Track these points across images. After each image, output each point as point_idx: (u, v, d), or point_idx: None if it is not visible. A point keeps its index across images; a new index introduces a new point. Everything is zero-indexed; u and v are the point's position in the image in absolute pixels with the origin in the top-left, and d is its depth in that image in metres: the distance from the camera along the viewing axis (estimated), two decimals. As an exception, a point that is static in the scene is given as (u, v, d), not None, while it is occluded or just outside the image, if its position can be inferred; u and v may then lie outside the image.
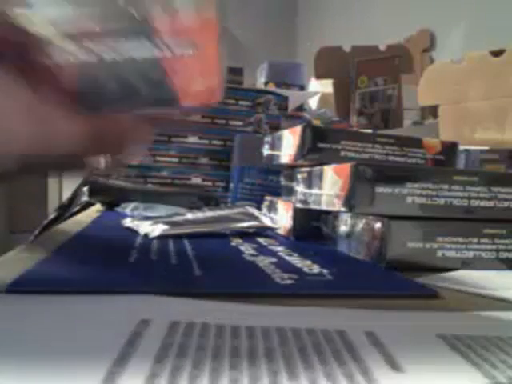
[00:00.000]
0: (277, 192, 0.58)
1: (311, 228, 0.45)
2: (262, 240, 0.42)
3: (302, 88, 1.22)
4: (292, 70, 1.23)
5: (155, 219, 0.44)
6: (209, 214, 0.48)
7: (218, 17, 0.26)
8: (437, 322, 0.21)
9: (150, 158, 0.69)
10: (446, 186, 0.35)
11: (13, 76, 0.24)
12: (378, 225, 0.34)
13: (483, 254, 0.35)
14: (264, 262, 0.32)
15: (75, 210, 0.62)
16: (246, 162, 0.64)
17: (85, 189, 0.59)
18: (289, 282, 0.27)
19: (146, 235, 0.41)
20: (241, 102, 0.73)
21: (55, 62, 0.25)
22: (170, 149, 0.71)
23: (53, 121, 0.26)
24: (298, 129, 0.43)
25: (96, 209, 0.62)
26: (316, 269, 0.31)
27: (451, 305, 0.26)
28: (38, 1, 0.24)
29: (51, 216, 0.61)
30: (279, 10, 3.42)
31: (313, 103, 1.48)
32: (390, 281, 0.30)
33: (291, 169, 0.50)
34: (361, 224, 0.36)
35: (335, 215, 0.41)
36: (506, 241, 0.35)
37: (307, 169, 0.43)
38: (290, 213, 0.45)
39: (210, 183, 0.72)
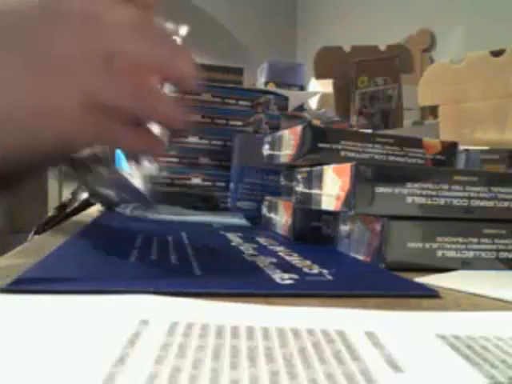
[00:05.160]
0: (277, 192, 0.58)
1: (311, 228, 0.45)
2: (261, 240, 0.42)
3: (302, 88, 1.22)
4: (292, 70, 1.23)
5: None
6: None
7: None
8: (437, 322, 0.21)
9: (149, 158, 0.69)
10: (445, 186, 0.35)
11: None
12: (378, 225, 0.34)
13: (483, 254, 0.35)
14: (264, 262, 0.32)
15: (75, 206, 0.62)
16: (246, 162, 0.64)
17: (84, 188, 0.59)
18: (289, 282, 0.27)
19: None
20: (241, 102, 0.73)
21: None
22: (170, 149, 0.71)
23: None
24: (298, 129, 0.43)
25: (96, 209, 0.62)
26: (316, 269, 0.31)
27: (451, 305, 0.26)
28: None
29: (49, 214, 0.61)
30: (279, 9, 3.42)
31: (313, 103, 1.48)
32: (389, 281, 0.30)
33: (291, 169, 0.50)
34: (361, 224, 0.36)
35: (335, 215, 0.41)
36: (506, 241, 0.35)
37: (307, 169, 0.43)
38: (290, 213, 0.45)
39: (209, 183, 0.72)
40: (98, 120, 0.27)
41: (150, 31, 0.28)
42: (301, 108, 1.12)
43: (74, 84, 0.26)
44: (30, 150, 0.27)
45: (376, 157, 0.44)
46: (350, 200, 0.35)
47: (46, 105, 0.26)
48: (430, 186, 0.35)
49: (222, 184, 0.71)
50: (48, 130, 0.27)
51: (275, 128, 0.72)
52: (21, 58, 0.25)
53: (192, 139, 0.72)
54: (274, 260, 0.33)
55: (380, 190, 0.34)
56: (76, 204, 0.62)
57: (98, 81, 0.26)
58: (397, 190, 0.34)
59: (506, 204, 0.36)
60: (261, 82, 1.22)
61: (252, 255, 0.34)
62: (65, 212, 0.63)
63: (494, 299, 0.27)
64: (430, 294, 0.27)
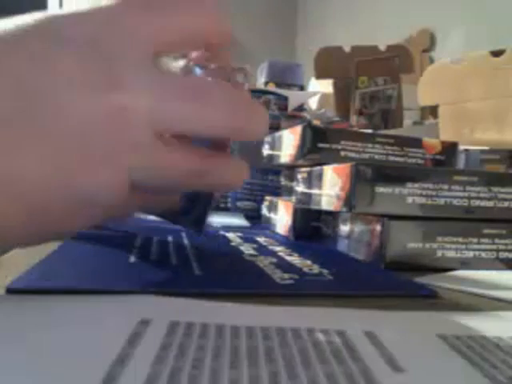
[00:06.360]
0: (277, 192, 0.58)
1: (311, 228, 0.45)
2: (261, 240, 0.42)
3: (302, 88, 1.22)
4: (292, 69, 1.23)
5: None
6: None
7: None
8: (437, 322, 0.21)
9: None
10: (445, 186, 0.35)
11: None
12: (377, 225, 0.34)
13: (483, 254, 0.35)
14: (264, 262, 0.32)
15: None
16: (246, 162, 0.64)
17: None
18: (289, 282, 0.27)
19: None
20: (241, 102, 0.73)
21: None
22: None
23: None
24: (298, 129, 0.44)
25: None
26: (316, 269, 0.31)
27: (451, 305, 0.26)
28: None
29: None
30: (279, 9, 3.42)
31: (313, 103, 1.48)
32: (389, 281, 0.30)
33: (291, 169, 0.50)
34: (361, 224, 0.36)
35: (335, 215, 0.41)
36: (506, 241, 0.35)
37: (307, 169, 0.43)
38: (290, 213, 0.45)
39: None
40: (142, 199, 0.24)
41: (211, 88, 0.22)
42: (301, 108, 1.12)
43: (112, 163, 0.20)
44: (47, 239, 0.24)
45: (376, 157, 0.44)
46: (350, 200, 0.35)
47: (79, 194, 0.21)
48: (430, 185, 0.35)
49: (222, 184, 0.71)
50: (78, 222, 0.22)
51: (275, 128, 0.72)
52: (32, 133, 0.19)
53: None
54: (274, 260, 0.33)
55: (380, 189, 0.34)
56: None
57: (141, 159, 0.21)
58: (397, 190, 0.34)
59: (506, 204, 0.36)
60: (261, 81, 1.22)
61: (252, 255, 0.34)
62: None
63: (494, 299, 0.27)
64: (429, 294, 0.27)
